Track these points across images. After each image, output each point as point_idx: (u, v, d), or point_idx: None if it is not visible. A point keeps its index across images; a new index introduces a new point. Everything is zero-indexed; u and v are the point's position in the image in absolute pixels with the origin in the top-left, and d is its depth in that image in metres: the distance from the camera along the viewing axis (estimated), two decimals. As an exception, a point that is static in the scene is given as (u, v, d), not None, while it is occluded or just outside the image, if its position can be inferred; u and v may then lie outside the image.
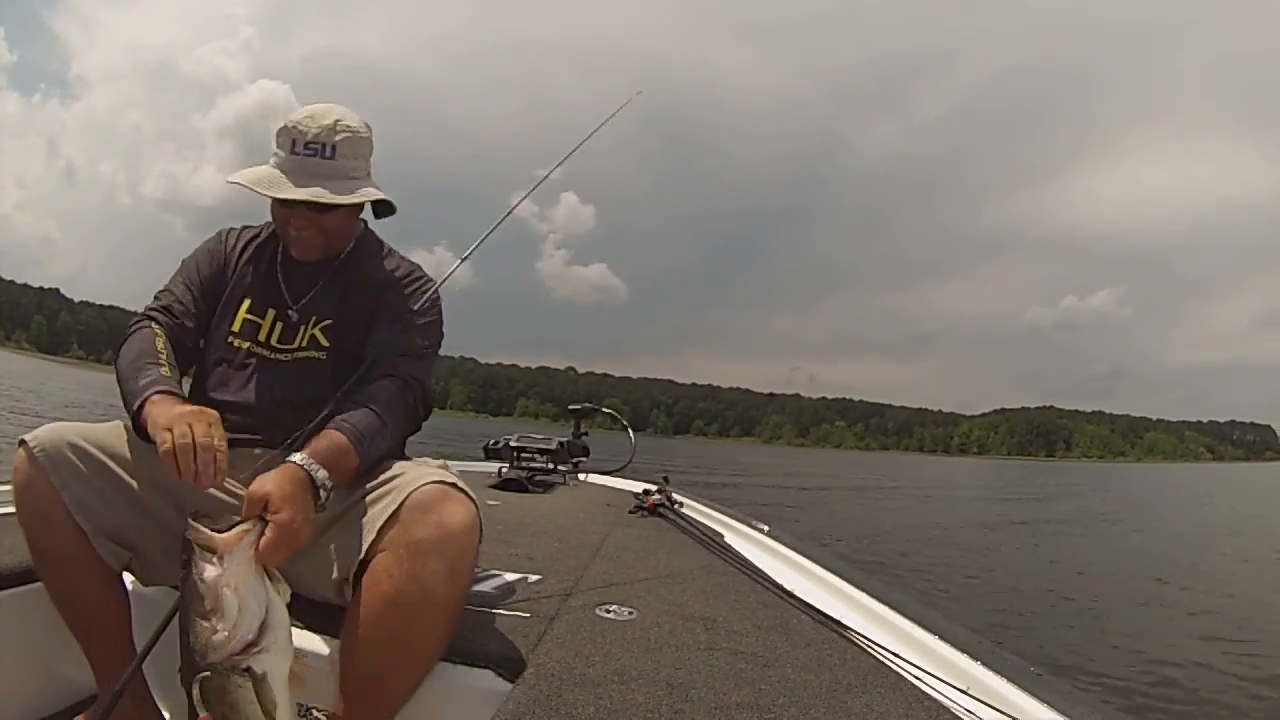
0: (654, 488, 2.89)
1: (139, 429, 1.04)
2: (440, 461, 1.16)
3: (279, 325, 1.27)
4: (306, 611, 1.07)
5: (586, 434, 3.83)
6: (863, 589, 1.58)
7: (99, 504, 1.06)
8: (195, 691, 0.83)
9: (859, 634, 1.31)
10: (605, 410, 4.31)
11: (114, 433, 1.13)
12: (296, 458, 1.00)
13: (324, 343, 1.26)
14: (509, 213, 1.63)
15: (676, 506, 2.60)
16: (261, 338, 1.26)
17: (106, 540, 1.07)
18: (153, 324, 1.20)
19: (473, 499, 1.05)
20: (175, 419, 0.95)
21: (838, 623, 1.36)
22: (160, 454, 0.94)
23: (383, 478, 1.09)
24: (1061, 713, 1.02)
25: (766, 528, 2.24)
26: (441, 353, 1.36)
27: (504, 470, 3.29)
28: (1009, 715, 1.02)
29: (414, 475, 1.06)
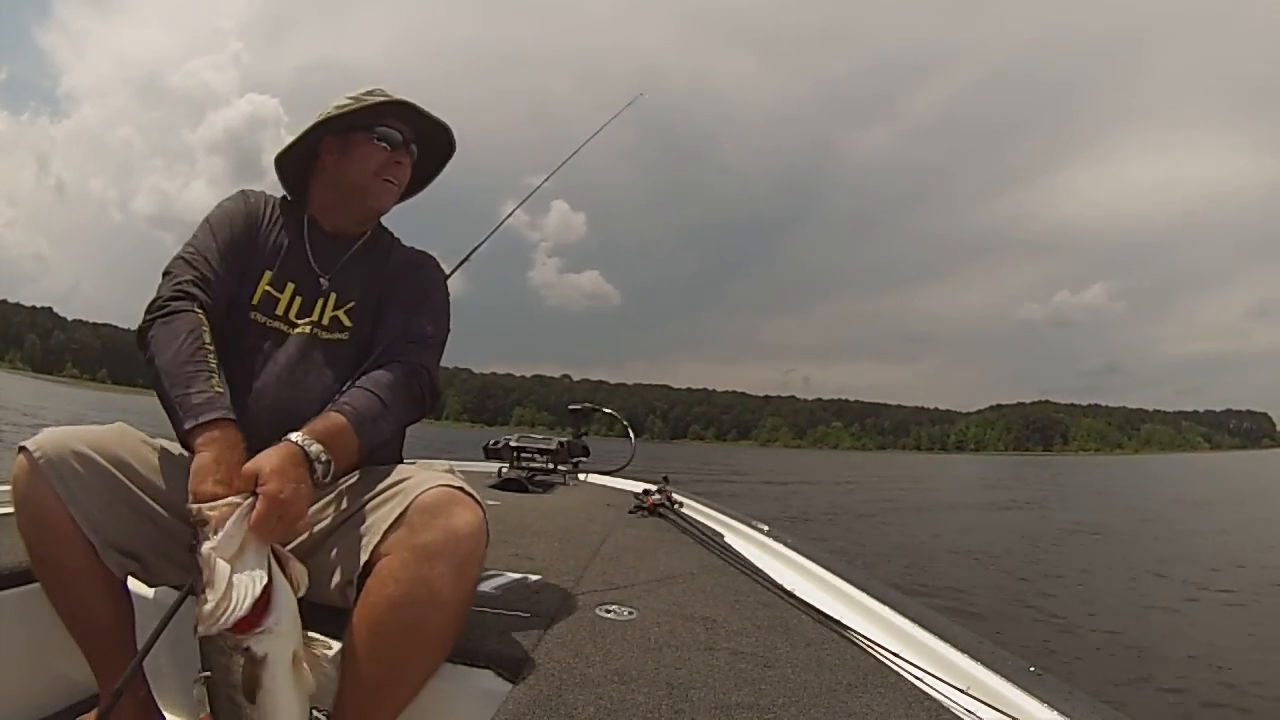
0: (654, 488, 2.89)
1: (186, 446, 1.02)
2: (446, 465, 1.15)
3: (298, 299, 1.24)
4: (309, 613, 1.07)
5: (586, 434, 3.84)
6: (863, 589, 1.58)
7: (106, 515, 1.04)
8: (195, 693, 0.83)
9: (859, 634, 1.31)
10: (605, 410, 4.31)
11: (117, 437, 1.10)
12: (293, 435, 0.99)
13: (347, 324, 1.25)
14: (511, 213, 1.63)
15: (676, 506, 2.60)
16: (280, 311, 1.23)
17: (114, 552, 1.05)
18: (196, 306, 1.11)
19: (480, 503, 1.04)
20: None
21: (838, 623, 1.36)
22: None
23: (389, 481, 1.08)
24: (1061, 713, 1.02)
25: (766, 528, 2.24)
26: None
27: (504, 470, 3.29)
28: (1009, 715, 1.01)
29: (421, 479, 1.05)
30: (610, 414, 4.50)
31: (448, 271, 1.45)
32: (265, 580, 0.85)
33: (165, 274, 1.16)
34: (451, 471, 1.10)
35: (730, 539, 2.15)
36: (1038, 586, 6.66)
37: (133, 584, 1.14)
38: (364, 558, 1.01)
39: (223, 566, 0.83)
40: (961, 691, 1.08)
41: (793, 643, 1.26)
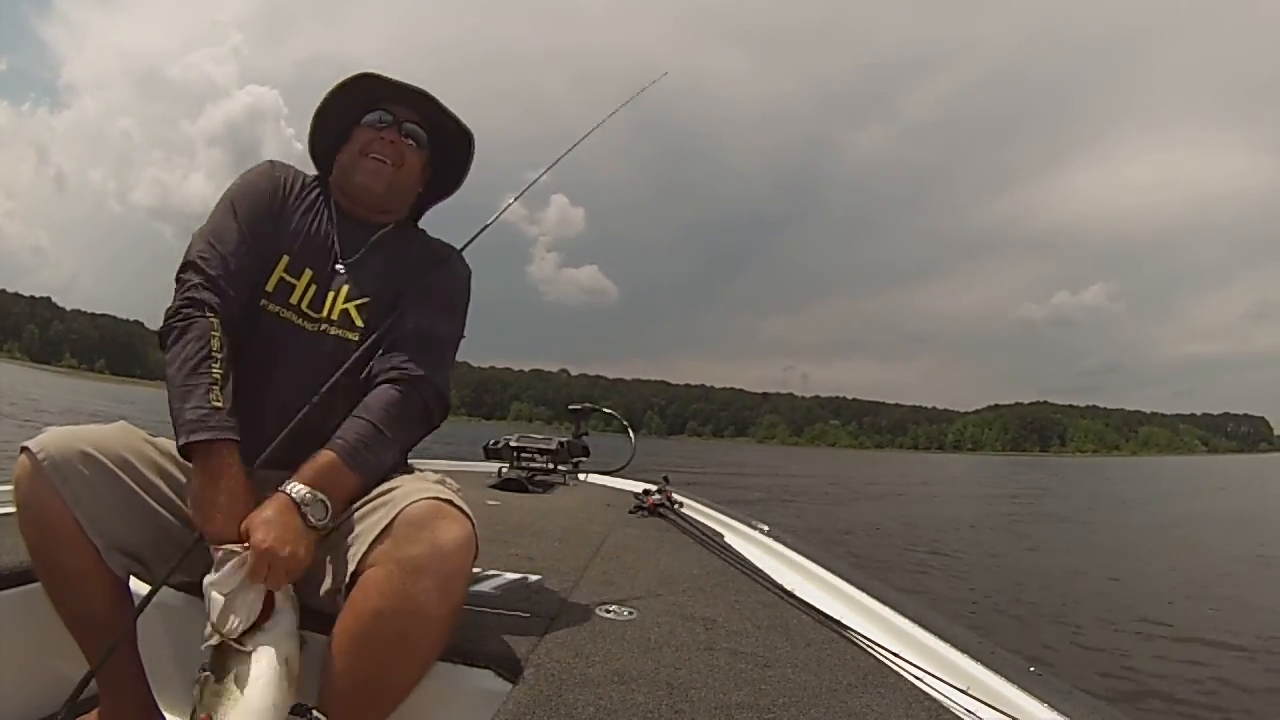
0: (654, 488, 2.89)
1: (184, 456, 1.03)
2: (439, 476, 1.13)
3: (312, 289, 1.19)
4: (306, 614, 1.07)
5: (586, 434, 3.84)
6: (863, 589, 1.58)
7: (109, 515, 1.03)
8: (195, 693, 0.85)
9: (859, 634, 1.31)
10: (605, 410, 4.31)
11: (119, 436, 1.09)
12: (287, 486, 1.00)
13: (358, 322, 1.20)
14: (518, 196, 1.54)
15: (677, 506, 2.60)
16: (294, 300, 1.18)
17: (117, 554, 1.05)
18: (207, 310, 1.07)
19: (469, 516, 1.02)
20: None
21: (838, 623, 1.36)
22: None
23: (379, 490, 1.07)
24: (1061, 713, 1.02)
25: (766, 528, 2.24)
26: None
27: (504, 470, 3.29)
28: (1009, 715, 1.01)
29: (409, 489, 1.03)
30: (610, 413, 4.50)
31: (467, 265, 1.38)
32: (256, 614, 0.93)
33: (180, 272, 1.12)
34: (443, 482, 1.09)
35: (730, 539, 2.15)
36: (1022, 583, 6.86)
37: (134, 584, 1.14)
38: (351, 568, 0.99)
39: (216, 598, 0.92)
40: (961, 691, 1.08)
41: (793, 643, 1.26)
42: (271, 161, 1.26)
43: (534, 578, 1.56)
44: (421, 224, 1.39)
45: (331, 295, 1.20)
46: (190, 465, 1.03)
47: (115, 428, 1.11)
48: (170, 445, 1.13)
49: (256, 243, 1.16)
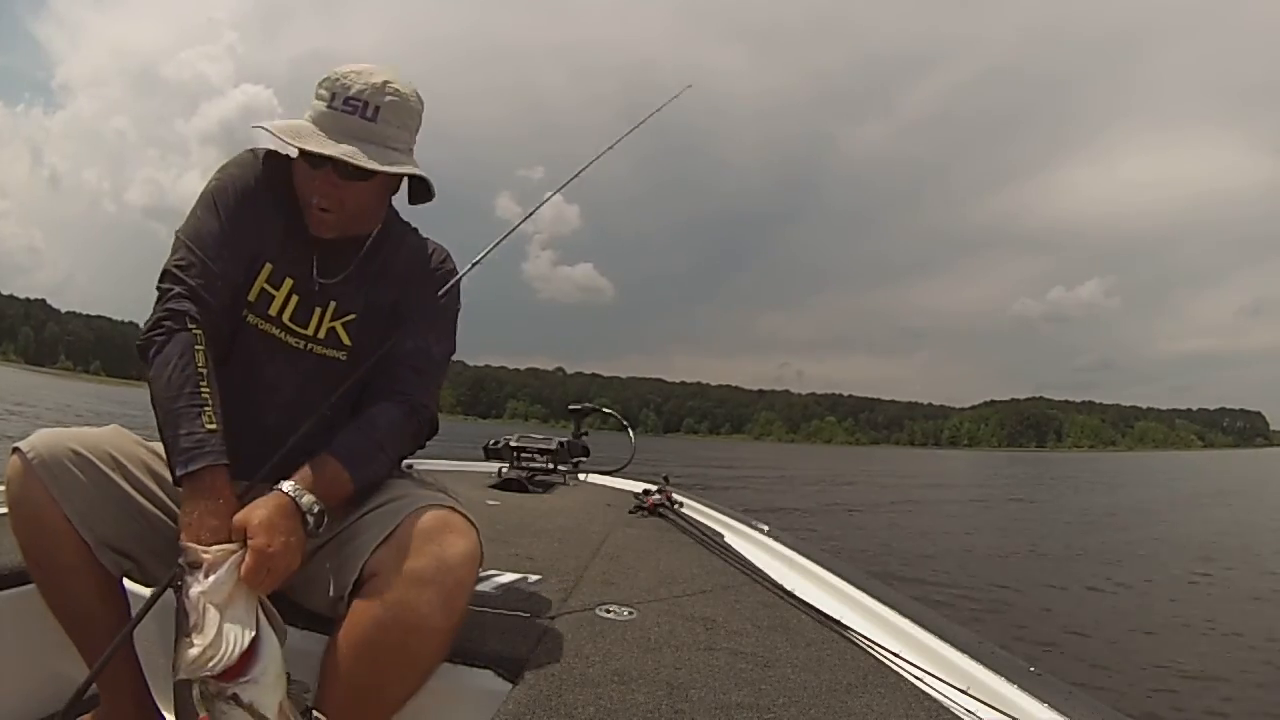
0: (654, 488, 2.89)
1: (176, 484, 0.98)
2: (440, 484, 1.12)
3: (294, 300, 1.13)
4: (301, 618, 1.06)
5: (586, 434, 3.84)
6: (863, 589, 1.58)
7: (100, 516, 1.03)
8: (195, 692, 0.83)
9: (859, 634, 1.31)
10: (605, 410, 4.31)
11: (111, 438, 1.09)
12: (284, 485, 0.97)
13: (345, 341, 1.16)
14: (527, 216, 1.46)
15: (676, 506, 2.60)
16: (273, 312, 1.13)
17: (109, 551, 1.04)
18: (189, 322, 1.02)
19: (474, 526, 1.01)
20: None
21: (838, 623, 1.36)
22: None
23: (383, 497, 1.06)
24: (1061, 713, 1.02)
25: (766, 528, 2.24)
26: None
27: (504, 470, 3.29)
28: (1009, 715, 1.02)
29: (415, 497, 1.02)
30: (610, 413, 4.50)
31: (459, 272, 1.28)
32: (254, 633, 0.84)
33: (160, 281, 1.07)
34: (446, 491, 1.08)
35: (730, 539, 2.15)
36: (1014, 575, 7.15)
37: (128, 583, 1.14)
38: (354, 574, 0.98)
39: (213, 613, 0.83)
40: (961, 691, 1.08)
41: (793, 643, 1.26)
42: (254, 151, 1.16)
43: (534, 578, 1.56)
44: (430, 224, 1.29)
45: (318, 312, 1.15)
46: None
47: (108, 429, 1.11)
48: (162, 447, 1.13)
49: (239, 245, 1.09)
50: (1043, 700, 1.05)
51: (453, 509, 1.01)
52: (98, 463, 1.04)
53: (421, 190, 1.19)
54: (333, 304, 1.16)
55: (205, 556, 0.86)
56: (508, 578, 1.54)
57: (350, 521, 1.06)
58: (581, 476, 3.65)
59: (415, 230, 1.26)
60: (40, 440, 1.03)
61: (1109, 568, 7.64)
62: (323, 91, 1.06)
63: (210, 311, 1.05)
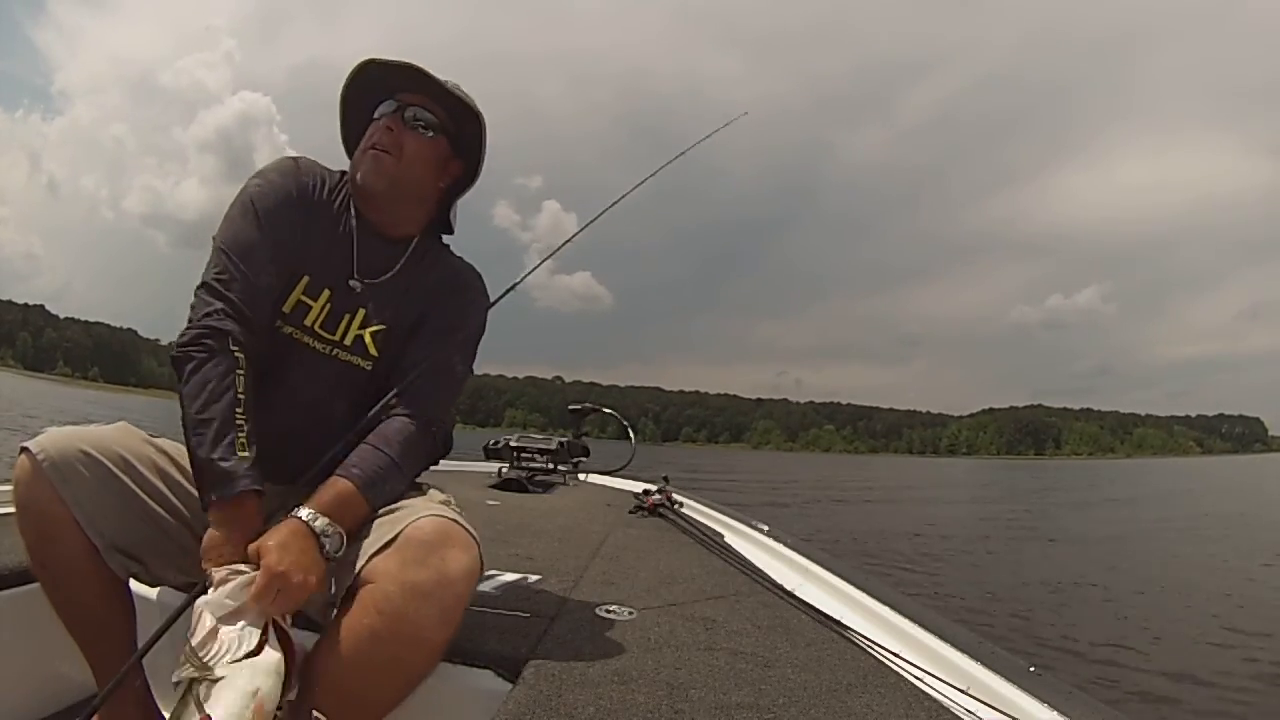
0: (654, 488, 2.89)
1: (203, 507, 0.98)
2: (444, 496, 1.11)
3: (328, 309, 1.13)
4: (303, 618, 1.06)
5: (586, 434, 3.84)
6: (863, 589, 1.59)
7: (109, 518, 1.02)
8: (200, 690, 0.83)
9: (859, 634, 1.31)
10: (606, 410, 4.31)
11: (119, 437, 1.08)
12: (301, 511, 0.96)
13: (373, 350, 1.15)
14: (552, 254, 1.42)
15: (676, 506, 2.60)
16: (308, 322, 1.12)
17: (116, 553, 1.04)
18: (232, 344, 1.00)
19: (476, 540, 0.99)
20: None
21: (838, 623, 1.36)
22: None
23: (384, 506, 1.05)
24: (1061, 713, 1.02)
25: (766, 528, 2.25)
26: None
27: (504, 470, 3.29)
28: (1009, 715, 1.02)
29: (416, 506, 1.01)
30: (610, 413, 4.50)
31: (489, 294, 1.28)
32: (251, 646, 0.85)
33: (199, 289, 1.04)
34: (447, 502, 1.07)
35: (730, 539, 2.15)
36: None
37: (133, 584, 1.14)
38: (349, 580, 0.96)
39: (208, 621, 0.85)
40: (961, 691, 1.08)
41: (793, 643, 1.26)
42: (296, 159, 1.17)
43: (534, 578, 1.56)
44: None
45: (347, 318, 1.14)
46: (189, 469, 1.00)
47: (115, 428, 1.11)
48: (170, 446, 1.13)
49: (280, 257, 1.08)
50: (1043, 700, 1.05)
51: (454, 520, 1.00)
52: (107, 464, 1.03)
53: (441, 223, 1.25)
54: (362, 311, 1.15)
55: (216, 575, 0.89)
56: (508, 578, 1.54)
57: None
58: (581, 476, 3.65)
59: (449, 248, 1.27)
60: (49, 440, 1.02)
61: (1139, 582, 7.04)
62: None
63: (251, 329, 1.04)
